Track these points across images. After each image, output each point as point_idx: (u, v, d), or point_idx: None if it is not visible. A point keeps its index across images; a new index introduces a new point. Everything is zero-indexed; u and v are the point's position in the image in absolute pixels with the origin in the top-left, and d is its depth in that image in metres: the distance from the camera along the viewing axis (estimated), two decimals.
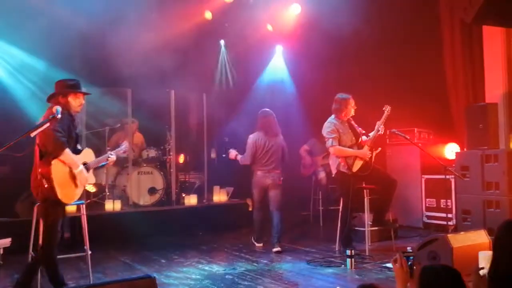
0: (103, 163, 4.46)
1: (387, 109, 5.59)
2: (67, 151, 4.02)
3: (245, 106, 8.54)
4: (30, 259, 4.36)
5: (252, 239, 6.46)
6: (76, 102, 4.21)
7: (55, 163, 4.04)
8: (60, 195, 4.07)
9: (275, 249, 5.95)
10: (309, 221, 8.28)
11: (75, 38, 6.71)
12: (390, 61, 7.74)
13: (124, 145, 4.75)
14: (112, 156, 4.44)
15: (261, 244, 6.35)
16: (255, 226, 6.41)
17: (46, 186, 4.01)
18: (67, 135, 4.05)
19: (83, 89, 4.30)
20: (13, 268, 5.27)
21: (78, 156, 4.23)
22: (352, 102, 5.78)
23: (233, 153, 6.39)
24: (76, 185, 4.16)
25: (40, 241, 4.22)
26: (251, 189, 6.37)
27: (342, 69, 8.21)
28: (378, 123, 5.59)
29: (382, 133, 5.65)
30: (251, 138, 6.28)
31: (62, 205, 4.17)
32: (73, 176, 4.13)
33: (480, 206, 5.96)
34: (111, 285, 3.12)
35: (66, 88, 4.18)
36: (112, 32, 7.05)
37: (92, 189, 7.36)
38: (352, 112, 5.79)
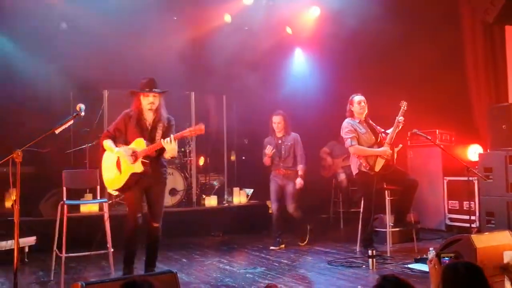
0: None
1: (403, 104, 5.55)
2: (105, 141, 4.49)
3: (265, 108, 8.54)
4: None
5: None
6: (145, 101, 4.47)
7: (105, 153, 4.58)
8: (104, 180, 4.53)
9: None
10: (329, 223, 8.24)
11: (94, 44, 6.84)
12: (411, 63, 7.66)
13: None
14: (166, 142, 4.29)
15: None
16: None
17: None
18: (116, 129, 4.51)
19: (156, 89, 4.45)
20: (37, 266, 5.38)
21: (129, 145, 4.42)
22: (356, 100, 5.75)
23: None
24: (120, 171, 4.38)
25: None
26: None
27: (362, 71, 8.15)
28: (396, 118, 5.54)
29: (401, 127, 5.57)
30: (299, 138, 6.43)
31: (127, 192, 4.51)
32: (119, 163, 4.39)
33: (504, 208, 5.85)
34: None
35: (138, 88, 4.49)
36: (132, 37, 7.17)
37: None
38: (360, 110, 5.73)
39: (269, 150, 6.22)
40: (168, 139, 4.23)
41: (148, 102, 4.45)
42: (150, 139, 4.42)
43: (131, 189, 4.44)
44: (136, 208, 4.50)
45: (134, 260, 4.55)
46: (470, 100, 7.32)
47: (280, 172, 6.31)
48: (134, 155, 4.33)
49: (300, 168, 6.30)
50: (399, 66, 7.75)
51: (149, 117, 4.52)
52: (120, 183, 4.39)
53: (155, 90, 4.46)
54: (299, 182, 6.25)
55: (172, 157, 4.41)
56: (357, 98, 5.77)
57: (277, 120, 6.32)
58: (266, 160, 6.32)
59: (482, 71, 7.18)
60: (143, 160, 4.33)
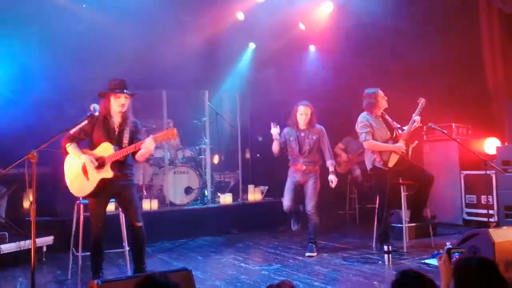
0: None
1: (421, 101, 5.47)
2: (69, 145, 4.27)
3: (279, 106, 8.52)
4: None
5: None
6: (116, 102, 4.34)
7: (68, 157, 4.37)
8: (69, 187, 4.38)
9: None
10: (345, 220, 8.20)
11: (110, 42, 6.86)
12: (427, 56, 7.58)
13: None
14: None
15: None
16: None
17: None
18: (82, 132, 4.29)
19: (127, 90, 4.35)
20: (54, 265, 5.45)
21: (94, 150, 4.28)
22: (381, 94, 5.67)
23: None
24: (87, 178, 4.25)
25: None
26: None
27: (377, 65, 8.09)
28: (413, 115, 5.48)
29: (418, 125, 5.52)
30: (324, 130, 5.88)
31: (91, 198, 4.33)
32: (85, 170, 4.25)
33: None
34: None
35: (109, 89, 4.35)
36: (146, 35, 7.19)
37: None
38: (385, 105, 5.68)
39: (275, 131, 5.62)
40: (149, 139, 4.12)
41: (120, 103, 4.31)
42: (118, 143, 4.29)
43: (97, 196, 4.31)
44: (98, 218, 4.35)
45: (102, 266, 4.50)
46: (487, 92, 7.21)
47: (300, 168, 5.73)
48: (101, 162, 4.22)
49: (331, 164, 5.76)
50: (415, 59, 7.66)
51: (116, 119, 4.38)
52: (88, 190, 4.26)
53: (126, 91, 4.34)
54: (333, 179, 5.69)
55: (143, 159, 4.32)
56: (381, 93, 5.69)
57: (303, 111, 5.66)
58: (275, 145, 5.68)
59: (500, 63, 7.08)
60: (112, 165, 4.23)
